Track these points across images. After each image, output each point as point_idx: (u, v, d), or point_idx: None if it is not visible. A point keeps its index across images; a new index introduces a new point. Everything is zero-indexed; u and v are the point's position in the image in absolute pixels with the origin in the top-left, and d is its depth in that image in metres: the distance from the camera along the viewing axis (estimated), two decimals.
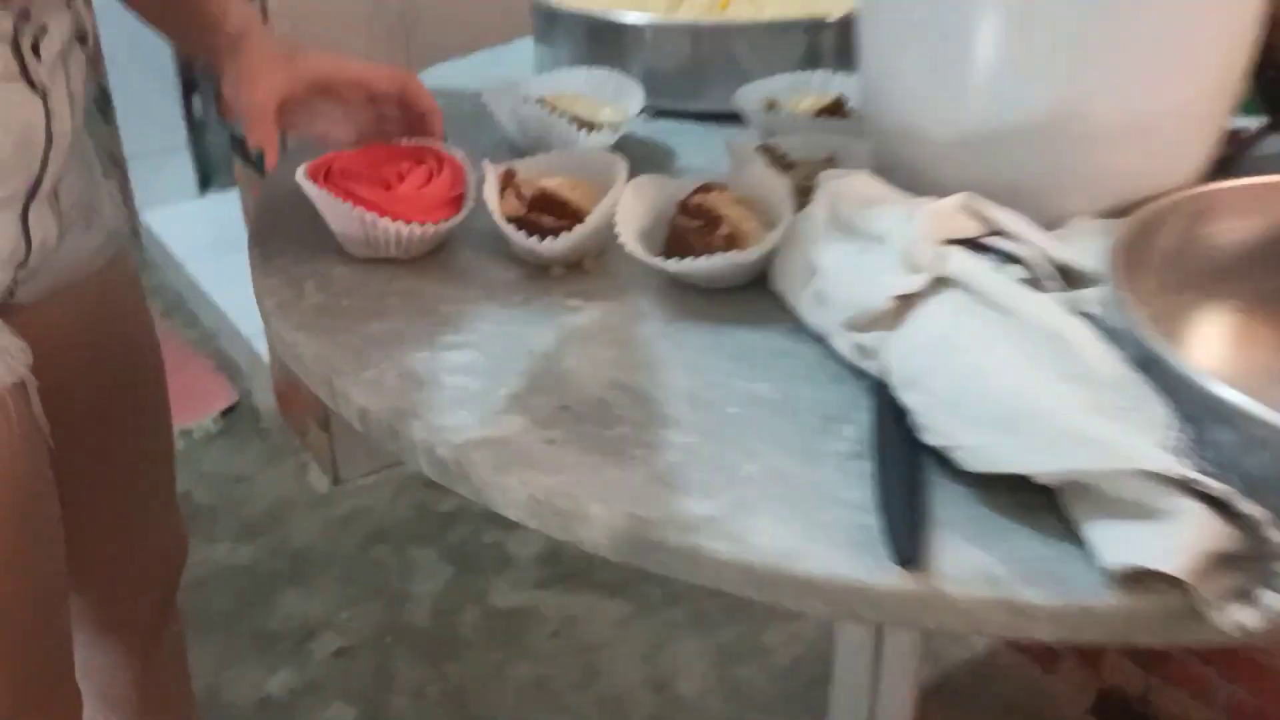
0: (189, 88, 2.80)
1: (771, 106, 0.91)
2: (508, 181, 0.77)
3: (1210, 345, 0.65)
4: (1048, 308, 0.57)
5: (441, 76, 1.14)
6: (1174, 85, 0.67)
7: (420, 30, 1.82)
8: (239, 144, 2.09)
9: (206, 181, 2.96)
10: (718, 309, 0.71)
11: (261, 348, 2.31)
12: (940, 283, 0.60)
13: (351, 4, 1.79)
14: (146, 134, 2.67)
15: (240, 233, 2.09)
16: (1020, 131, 0.67)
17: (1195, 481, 0.48)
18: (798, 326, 0.68)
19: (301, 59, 0.80)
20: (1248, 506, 0.48)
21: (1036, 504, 0.53)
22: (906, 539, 0.51)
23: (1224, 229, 0.66)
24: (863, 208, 0.65)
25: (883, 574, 0.51)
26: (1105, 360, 0.54)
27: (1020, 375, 0.54)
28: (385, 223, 0.74)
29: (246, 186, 2.14)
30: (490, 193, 0.75)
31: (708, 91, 0.97)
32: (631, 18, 1.00)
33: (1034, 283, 0.60)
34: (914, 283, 0.60)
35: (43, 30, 0.77)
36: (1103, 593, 0.49)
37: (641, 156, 0.88)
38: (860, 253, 0.63)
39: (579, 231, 0.72)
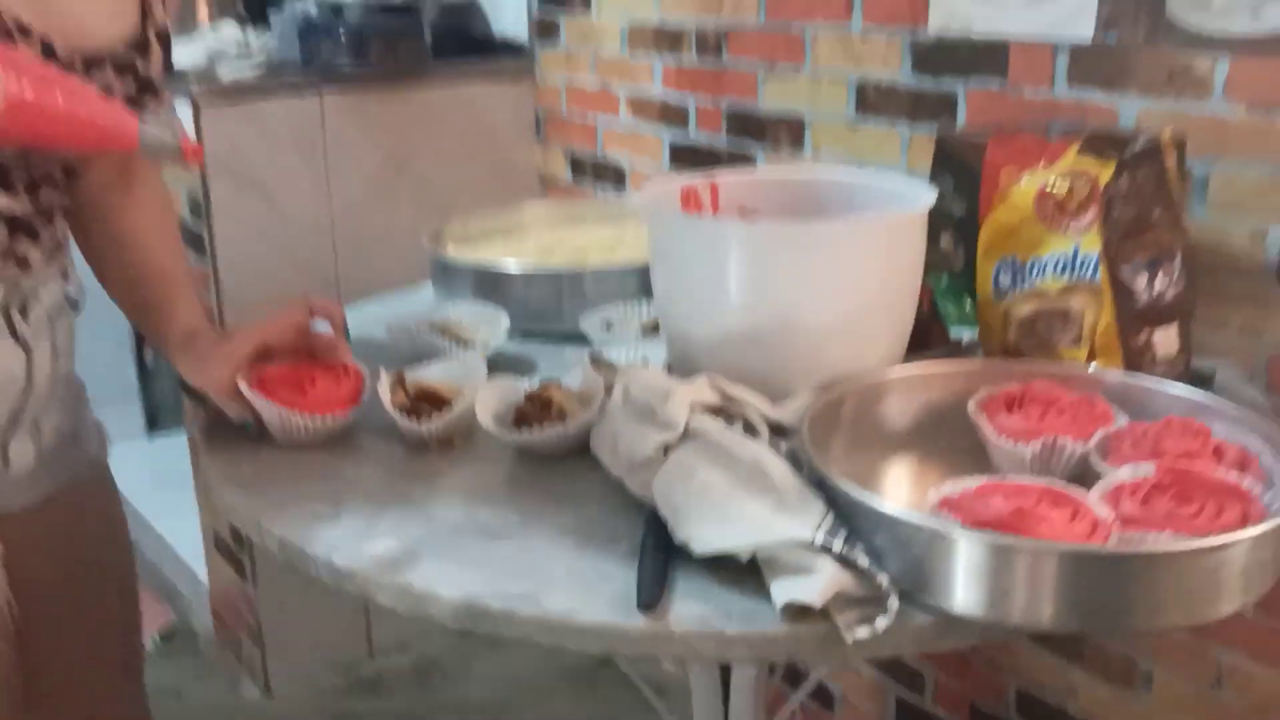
0: (140, 340, 3.09)
1: (609, 327, 1.20)
2: (399, 382, 1.04)
3: (894, 484, 0.92)
4: (755, 449, 0.84)
5: (360, 310, 1.42)
6: (862, 304, 0.96)
7: (345, 281, 2.14)
8: (185, 386, 2.35)
9: (154, 423, 3.21)
10: (548, 469, 0.97)
11: (201, 572, 2.50)
12: (688, 434, 0.87)
13: (290, 274, 2.10)
14: (102, 380, 2.93)
15: (184, 471, 2.33)
16: (757, 335, 0.96)
17: (830, 548, 0.74)
18: (604, 478, 0.94)
19: (237, 338, 1.04)
20: (864, 562, 0.74)
21: (744, 573, 0.78)
22: (649, 594, 0.76)
23: (897, 403, 0.94)
24: (643, 389, 0.92)
25: (632, 619, 0.75)
26: (787, 479, 0.81)
27: (729, 491, 0.80)
28: (297, 416, 1.00)
29: (193, 419, 2.39)
30: (383, 389, 1.02)
31: (563, 317, 1.26)
32: (506, 265, 1.30)
33: (751, 431, 0.87)
34: (670, 437, 0.86)
35: (33, 297, 1.01)
36: (778, 624, 0.74)
37: (509, 367, 1.16)
38: (639, 420, 0.90)
39: (447, 415, 0.98)
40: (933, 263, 1.26)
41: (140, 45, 1.01)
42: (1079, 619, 0.72)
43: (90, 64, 0.95)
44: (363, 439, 1.05)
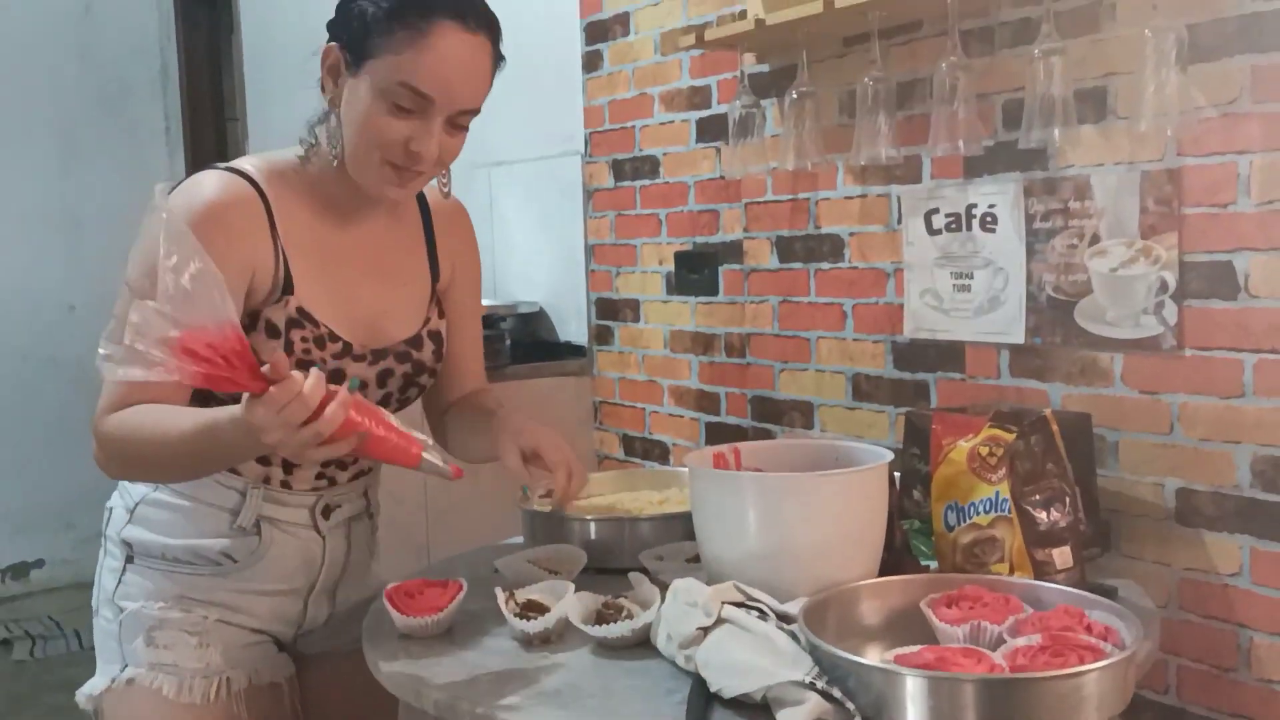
0: None
1: (660, 559, 1.60)
2: (510, 596, 1.43)
3: (867, 653, 1.28)
4: (766, 627, 1.22)
5: (474, 552, 1.83)
6: (841, 533, 1.36)
7: (438, 532, 2.55)
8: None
9: None
10: (620, 656, 1.35)
11: None
12: (720, 621, 1.25)
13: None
14: None
15: None
16: (767, 554, 1.35)
17: (816, 685, 1.11)
18: (660, 659, 1.31)
19: (527, 431, 1.50)
20: (839, 696, 1.11)
21: (759, 710, 1.14)
22: None
23: (870, 605, 1.32)
24: (686, 591, 1.31)
25: None
26: (788, 645, 1.19)
27: (747, 654, 1.18)
28: (404, 619, 1.39)
29: None
30: (500, 601, 1.41)
31: (624, 557, 1.65)
32: (582, 516, 1.71)
33: (765, 618, 1.25)
34: (707, 621, 1.25)
35: (336, 506, 1.51)
36: None
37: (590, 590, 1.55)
38: (684, 613, 1.29)
39: (547, 616, 1.37)
40: (907, 511, 1.66)
41: (415, 341, 1.52)
42: None
43: (377, 356, 1.46)
44: (485, 641, 1.43)
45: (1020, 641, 1.18)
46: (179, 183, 1.42)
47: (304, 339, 1.40)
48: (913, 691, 1.09)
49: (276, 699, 1.53)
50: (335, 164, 1.40)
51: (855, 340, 2.17)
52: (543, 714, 1.19)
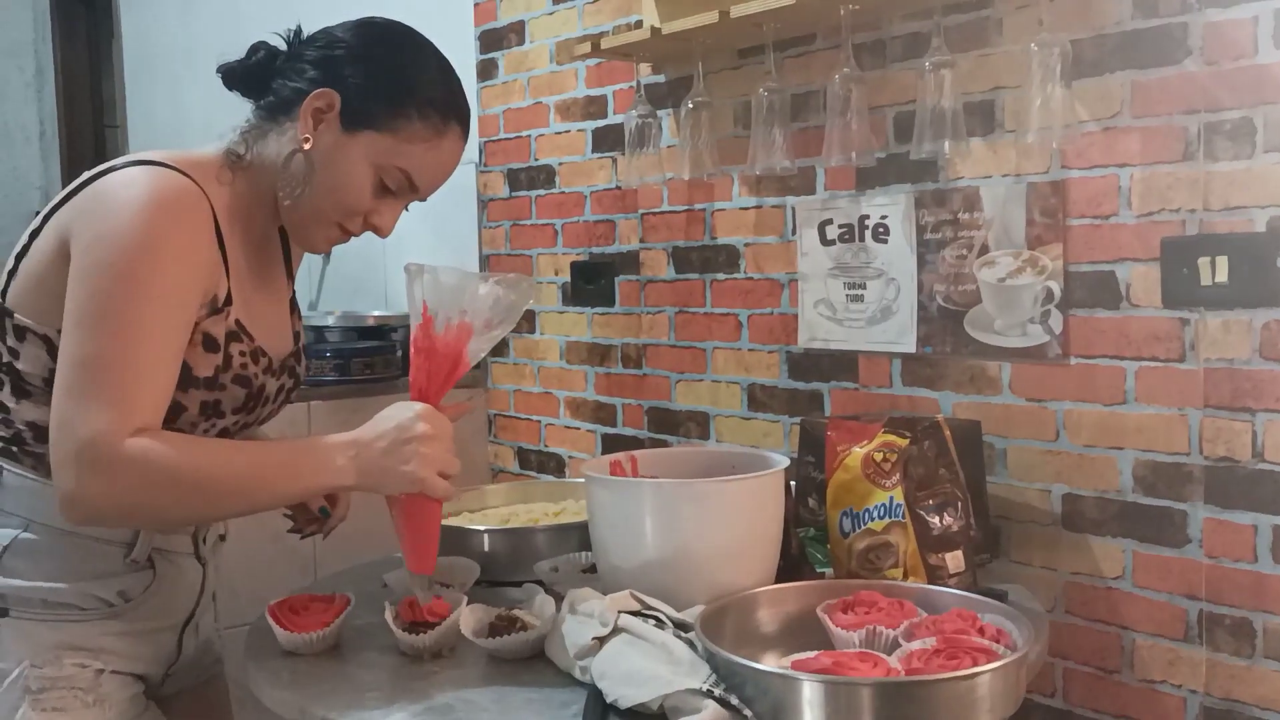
0: None
1: (556, 570, 1.57)
2: (411, 603, 1.38)
3: (766, 660, 1.27)
4: (662, 635, 1.20)
5: (366, 567, 1.77)
6: (736, 539, 1.35)
7: (323, 559, 2.48)
8: None
9: None
10: (515, 669, 1.31)
11: None
12: (616, 630, 1.23)
13: (272, 553, 2.44)
14: None
15: None
16: (662, 565, 1.33)
17: (713, 693, 1.10)
18: (557, 671, 1.28)
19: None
20: (736, 703, 1.09)
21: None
22: None
23: (768, 611, 1.31)
24: (583, 601, 1.29)
25: None
26: (684, 654, 1.17)
27: (643, 663, 1.16)
28: (288, 635, 1.35)
29: None
30: (389, 616, 1.36)
31: (521, 568, 1.62)
32: (477, 527, 1.67)
33: (662, 627, 1.23)
34: (603, 631, 1.22)
35: (206, 528, 1.43)
36: None
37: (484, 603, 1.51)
38: (580, 623, 1.26)
39: (437, 629, 1.33)
40: (803, 519, 1.66)
41: (298, 354, 1.48)
42: None
43: (280, 369, 1.41)
44: (373, 657, 1.38)
45: (915, 645, 1.19)
46: (101, 173, 1.26)
47: (241, 353, 1.32)
48: (810, 697, 1.08)
49: None
50: (284, 200, 1.32)
51: (751, 350, 2.18)
52: None
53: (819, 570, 1.54)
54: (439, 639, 1.34)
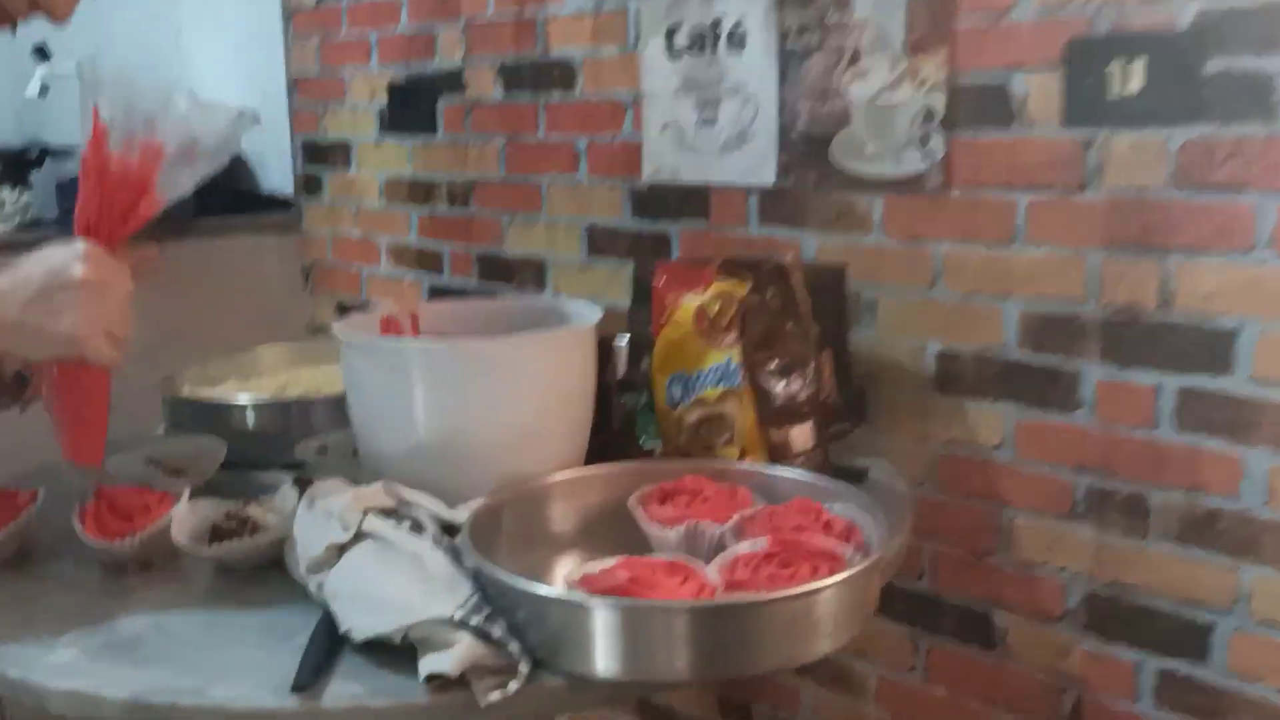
0: None
1: (324, 452, 1.27)
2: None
3: (560, 573, 1.00)
4: (416, 544, 0.92)
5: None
6: (531, 416, 1.06)
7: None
8: None
9: None
10: (244, 581, 1.02)
11: None
12: (360, 536, 0.94)
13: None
14: None
15: None
16: (435, 450, 1.04)
17: (468, 623, 0.82)
18: (295, 584, 0.99)
19: None
20: (497, 634, 0.82)
21: (403, 656, 0.85)
22: (304, 677, 0.82)
23: (565, 504, 1.04)
24: (325, 496, 0.99)
25: (287, 701, 0.81)
26: (441, 568, 0.89)
27: (385, 582, 0.88)
28: None
29: None
30: (75, 514, 1.05)
31: (286, 447, 1.31)
32: (226, 399, 1.36)
33: (420, 531, 0.95)
34: (342, 536, 0.93)
35: None
36: (423, 694, 0.81)
37: (235, 495, 1.20)
38: (316, 525, 0.97)
39: (136, 536, 1.03)
40: (634, 383, 1.38)
41: None
42: (698, 668, 0.82)
43: None
44: (67, 570, 1.08)
45: (744, 546, 0.92)
46: None
47: None
48: (598, 626, 0.81)
49: None
50: None
51: (590, 185, 1.87)
52: (99, 672, 0.86)
53: (646, 447, 1.27)
54: (144, 546, 1.04)
